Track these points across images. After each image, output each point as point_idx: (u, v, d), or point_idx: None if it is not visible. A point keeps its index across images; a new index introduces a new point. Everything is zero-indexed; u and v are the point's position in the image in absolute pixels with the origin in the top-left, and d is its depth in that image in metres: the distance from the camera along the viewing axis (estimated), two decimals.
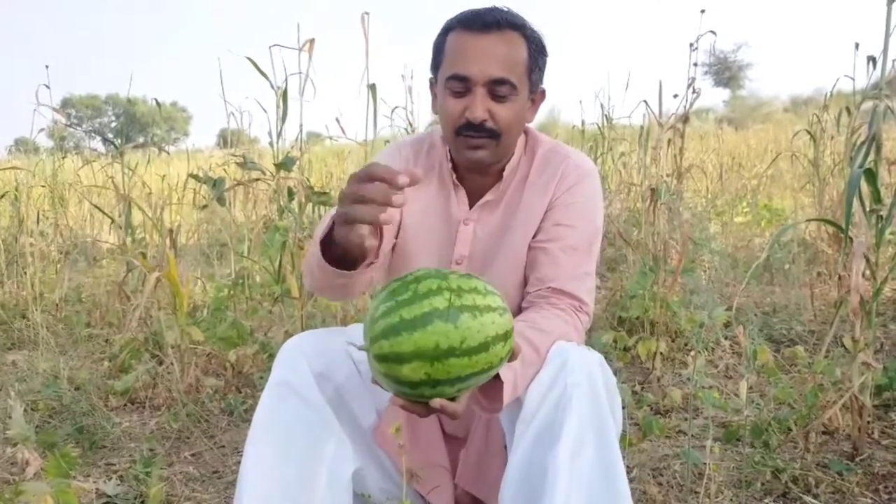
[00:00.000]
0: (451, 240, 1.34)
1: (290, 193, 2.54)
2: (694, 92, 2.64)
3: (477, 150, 1.23)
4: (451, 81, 1.21)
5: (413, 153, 1.38)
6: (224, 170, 4.22)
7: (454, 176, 1.33)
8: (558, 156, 1.32)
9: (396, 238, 1.35)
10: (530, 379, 1.09)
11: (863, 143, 1.75)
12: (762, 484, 1.69)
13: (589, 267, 1.29)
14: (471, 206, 1.34)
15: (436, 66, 1.28)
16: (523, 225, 1.30)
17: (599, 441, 1.05)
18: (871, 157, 1.73)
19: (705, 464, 1.62)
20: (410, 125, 3.46)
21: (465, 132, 1.22)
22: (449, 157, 1.33)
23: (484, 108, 1.19)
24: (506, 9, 1.23)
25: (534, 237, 1.30)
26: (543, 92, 1.31)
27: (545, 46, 1.27)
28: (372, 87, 2.58)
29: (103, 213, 3.44)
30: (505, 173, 1.31)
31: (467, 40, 1.20)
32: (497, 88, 1.19)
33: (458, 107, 1.21)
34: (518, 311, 1.31)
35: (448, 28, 1.24)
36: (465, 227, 1.33)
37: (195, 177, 2.72)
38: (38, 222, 3.85)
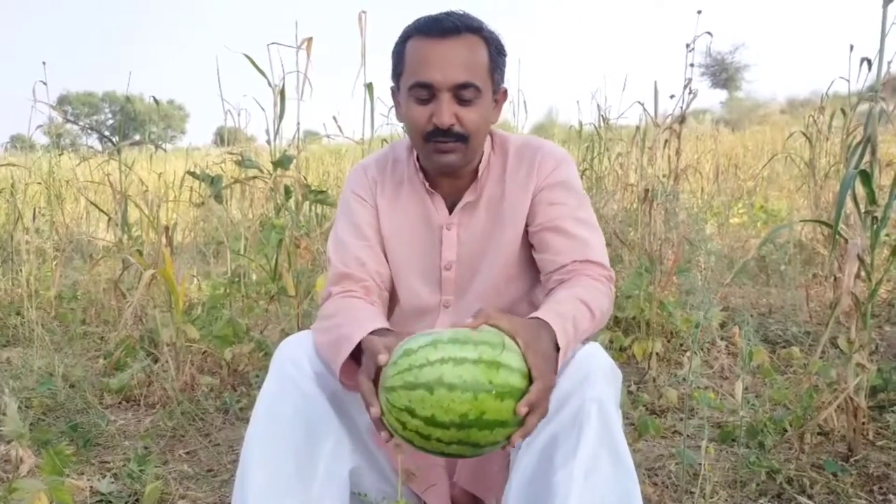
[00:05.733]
0: (436, 247, 1.35)
1: (287, 191, 2.54)
2: (690, 93, 2.65)
3: (447, 155, 1.24)
4: (415, 89, 1.21)
5: (378, 172, 1.38)
6: (221, 168, 4.21)
7: (427, 184, 1.33)
8: (531, 148, 1.33)
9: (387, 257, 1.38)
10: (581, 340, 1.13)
11: (858, 144, 1.75)
12: (757, 484, 1.69)
13: (601, 237, 1.31)
14: (450, 210, 1.34)
15: (397, 74, 1.27)
16: (511, 221, 1.31)
17: (615, 461, 1.05)
18: (867, 158, 1.73)
19: (700, 464, 1.62)
20: None
21: (434, 138, 1.22)
22: (418, 166, 1.33)
23: (450, 113, 1.20)
24: (461, 12, 1.23)
25: (528, 225, 1.30)
26: (505, 91, 1.31)
27: (503, 46, 1.27)
28: (369, 86, 2.59)
29: (100, 210, 3.43)
30: (480, 172, 1.32)
31: (428, 47, 1.20)
32: (462, 92, 1.19)
33: (424, 114, 1.21)
34: (511, 306, 1.33)
35: (406, 36, 1.24)
36: (448, 232, 1.34)
37: (193, 174, 2.72)
38: (34, 219, 3.83)
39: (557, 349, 1.04)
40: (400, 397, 0.93)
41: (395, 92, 1.31)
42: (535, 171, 1.30)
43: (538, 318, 1.06)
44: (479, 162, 1.32)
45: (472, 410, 0.90)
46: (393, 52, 1.27)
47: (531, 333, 1.00)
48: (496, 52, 1.24)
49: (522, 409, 0.92)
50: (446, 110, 1.19)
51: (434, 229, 1.34)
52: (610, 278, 1.27)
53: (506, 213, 1.31)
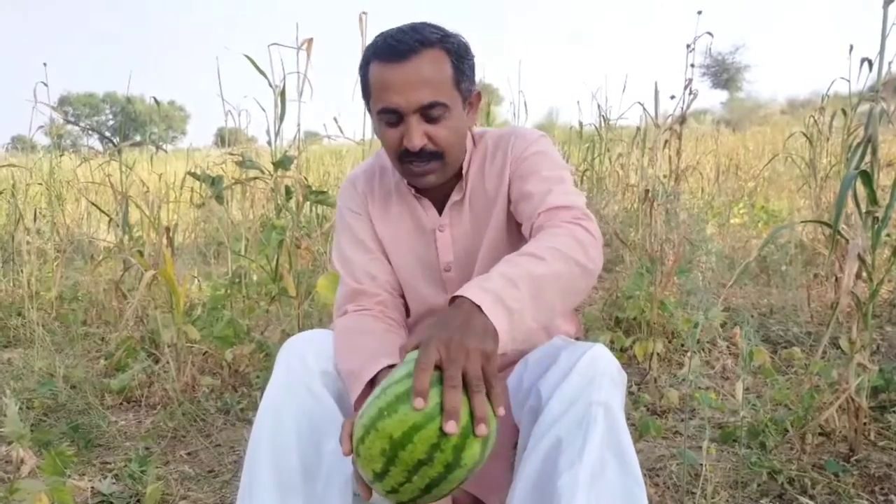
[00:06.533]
0: (432, 250, 1.35)
1: (288, 192, 2.54)
2: (691, 93, 2.65)
3: (425, 176, 1.24)
4: (383, 114, 1.20)
5: (367, 183, 1.39)
6: (222, 168, 4.21)
7: (413, 190, 1.34)
8: (504, 138, 1.33)
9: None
10: (523, 304, 0.99)
11: (858, 144, 1.75)
12: (758, 485, 1.69)
13: (567, 186, 1.24)
14: (440, 211, 1.35)
15: (366, 97, 1.27)
16: (495, 210, 1.31)
17: (621, 466, 1.04)
18: (868, 158, 1.73)
19: (702, 464, 1.62)
20: None
21: (408, 159, 1.22)
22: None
23: (420, 135, 1.18)
24: (419, 26, 1.20)
25: (509, 206, 1.29)
26: (479, 94, 1.30)
27: (468, 48, 1.24)
28: None
29: (101, 210, 3.43)
30: (464, 171, 1.32)
31: (388, 72, 1.18)
32: (429, 112, 1.18)
33: (395, 136, 1.21)
34: None
35: (367, 60, 1.22)
36: (441, 233, 1.34)
37: (193, 175, 2.72)
38: (34, 220, 3.84)
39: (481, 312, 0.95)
40: (362, 476, 0.94)
41: (368, 110, 1.31)
42: (508, 154, 1.30)
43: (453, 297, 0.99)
44: (462, 161, 1.32)
45: (383, 443, 0.88)
46: (358, 73, 1.26)
47: (429, 327, 0.94)
48: (459, 59, 1.21)
49: (417, 403, 0.86)
50: (415, 133, 1.18)
51: (427, 233, 1.35)
52: (578, 217, 1.16)
53: (489, 203, 1.31)
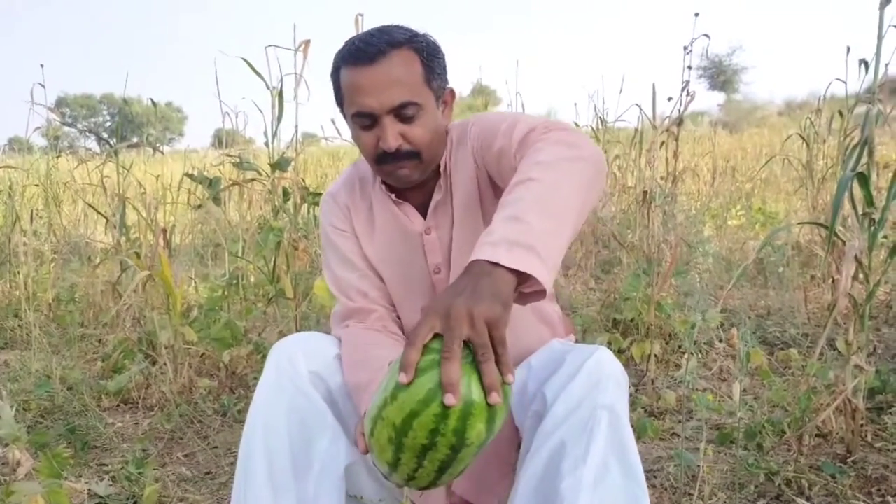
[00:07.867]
0: (420, 256, 1.34)
1: (286, 194, 2.54)
2: (688, 95, 2.65)
3: (401, 171, 1.24)
4: (357, 118, 1.21)
5: (348, 196, 1.39)
6: (219, 170, 4.21)
7: (394, 196, 1.33)
8: (464, 129, 1.31)
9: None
10: (535, 230, 0.93)
11: (855, 146, 1.75)
12: (755, 486, 1.69)
13: (528, 119, 1.19)
14: (424, 214, 1.34)
15: (339, 102, 1.27)
16: (473, 205, 1.30)
17: (625, 470, 1.04)
18: (864, 160, 1.73)
19: (699, 466, 1.62)
20: None
21: (385, 161, 1.22)
22: (381, 181, 1.33)
23: (395, 135, 1.19)
24: (386, 28, 1.21)
25: (499, 186, 1.27)
26: (452, 91, 1.30)
27: (438, 47, 1.25)
28: None
29: (98, 212, 3.43)
30: (441, 169, 1.31)
31: (358, 76, 1.18)
32: (403, 112, 1.18)
33: (371, 139, 1.21)
34: None
35: (338, 66, 1.23)
36: (427, 237, 1.33)
37: (190, 176, 2.72)
38: (31, 221, 3.83)
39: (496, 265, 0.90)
40: (380, 471, 0.95)
41: (344, 116, 1.31)
42: (468, 141, 1.29)
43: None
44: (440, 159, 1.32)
45: (388, 430, 0.88)
46: (330, 80, 1.27)
47: (432, 299, 0.93)
48: (429, 58, 1.22)
49: (402, 377, 0.85)
50: (390, 134, 1.18)
51: (413, 238, 1.34)
52: (545, 127, 1.12)
53: (465, 195, 1.30)
